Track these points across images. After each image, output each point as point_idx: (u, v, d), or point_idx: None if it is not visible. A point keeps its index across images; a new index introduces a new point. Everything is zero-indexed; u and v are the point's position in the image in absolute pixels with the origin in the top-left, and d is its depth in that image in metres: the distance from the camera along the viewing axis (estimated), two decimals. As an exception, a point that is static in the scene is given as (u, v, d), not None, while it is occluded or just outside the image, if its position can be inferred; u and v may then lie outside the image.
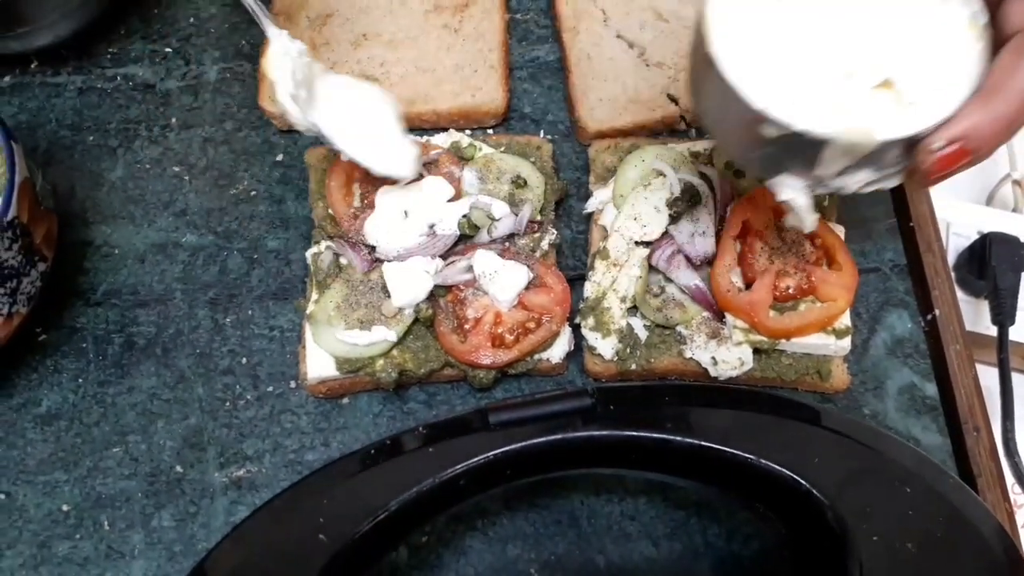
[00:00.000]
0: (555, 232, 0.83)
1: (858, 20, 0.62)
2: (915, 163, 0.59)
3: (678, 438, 0.65)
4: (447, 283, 0.79)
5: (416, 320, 0.78)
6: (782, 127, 0.59)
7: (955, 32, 0.61)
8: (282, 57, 0.74)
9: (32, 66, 0.97)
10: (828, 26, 0.62)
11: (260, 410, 0.80)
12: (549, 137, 0.91)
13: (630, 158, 0.85)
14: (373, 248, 0.80)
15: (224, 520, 0.76)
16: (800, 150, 0.60)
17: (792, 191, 0.64)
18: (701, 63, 0.63)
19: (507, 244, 0.81)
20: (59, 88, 0.96)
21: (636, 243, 0.80)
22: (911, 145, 0.59)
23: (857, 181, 0.62)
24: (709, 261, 0.79)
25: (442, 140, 0.87)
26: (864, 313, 0.83)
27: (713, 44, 0.61)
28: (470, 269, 0.79)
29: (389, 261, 0.79)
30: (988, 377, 0.84)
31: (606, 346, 0.78)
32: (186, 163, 0.92)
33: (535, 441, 0.66)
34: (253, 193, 0.90)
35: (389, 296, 0.78)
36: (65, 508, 0.77)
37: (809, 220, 0.66)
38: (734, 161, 0.74)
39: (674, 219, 0.80)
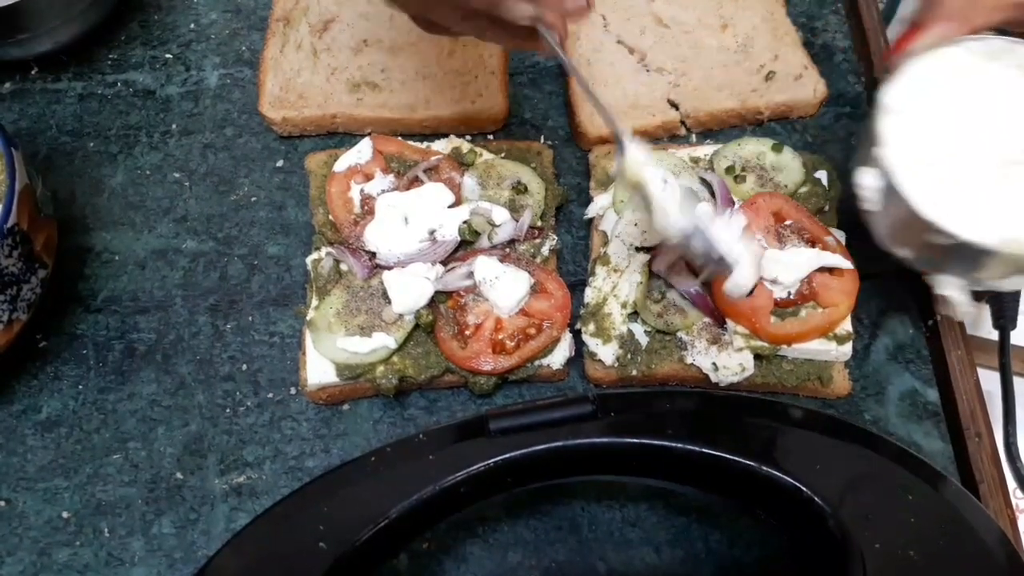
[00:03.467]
0: (555, 238, 0.83)
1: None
2: None
3: (679, 445, 0.65)
4: (448, 289, 0.79)
5: (416, 326, 0.78)
6: (950, 237, 0.63)
7: None
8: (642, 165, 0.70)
9: (32, 72, 0.97)
10: (993, 121, 0.67)
11: (260, 416, 0.80)
12: (549, 143, 0.91)
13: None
14: (373, 254, 0.80)
15: (224, 527, 0.76)
16: (965, 256, 0.64)
17: (951, 288, 0.69)
18: (871, 163, 0.67)
19: (507, 250, 0.81)
20: (59, 94, 0.96)
21: (637, 249, 0.80)
22: None
23: (1013, 284, 0.67)
24: (710, 267, 0.79)
25: (442, 146, 0.87)
26: (865, 319, 0.83)
27: (885, 150, 0.66)
28: (471, 275, 0.78)
29: (389, 267, 0.79)
30: (989, 381, 0.84)
31: (607, 352, 0.78)
32: (186, 169, 0.92)
33: (536, 448, 0.65)
34: (253, 199, 0.90)
35: (389, 302, 0.78)
36: (65, 515, 0.77)
37: (965, 313, 0.71)
38: (890, 252, 0.73)
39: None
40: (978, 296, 0.94)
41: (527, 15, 0.63)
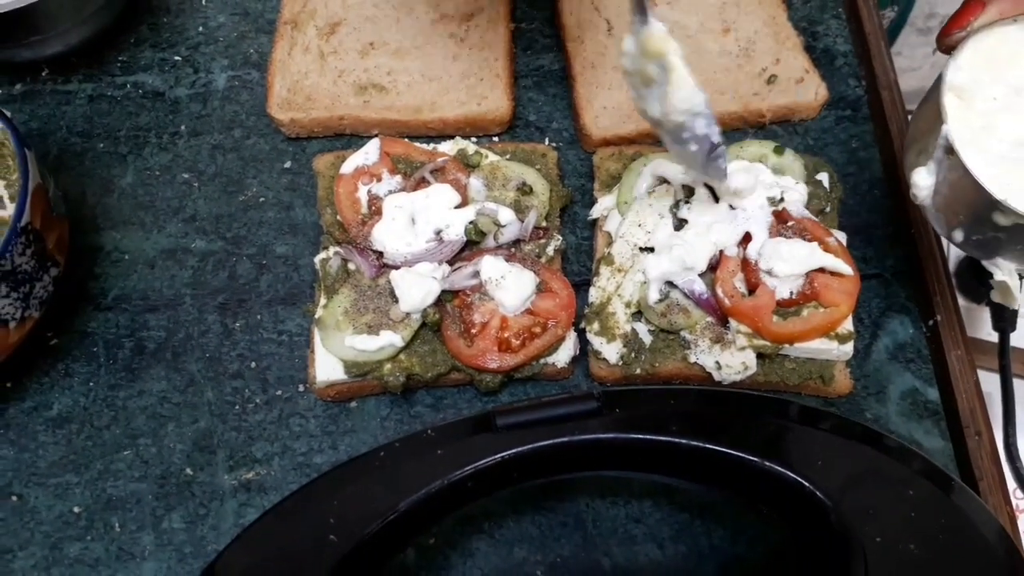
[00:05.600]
0: (560, 238, 0.84)
1: None
2: None
3: (683, 441, 0.66)
4: (454, 288, 0.80)
5: (423, 325, 0.79)
6: (1017, 216, 0.62)
7: None
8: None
9: (43, 74, 0.99)
10: None
11: (269, 413, 0.81)
12: (554, 144, 0.93)
13: (634, 165, 0.86)
14: (381, 254, 0.81)
15: (233, 522, 0.77)
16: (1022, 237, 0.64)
17: (1006, 274, 0.69)
18: (933, 145, 0.66)
19: (513, 250, 0.82)
20: (70, 96, 0.97)
21: (640, 249, 0.81)
22: None
23: None
24: (713, 267, 0.80)
25: (448, 148, 0.88)
26: (866, 318, 0.84)
27: (950, 129, 0.64)
28: (477, 275, 0.80)
29: (397, 267, 0.80)
30: (989, 383, 0.85)
31: (611, 350, 0.79)
32: (195, 170, 0.93)
33: (541, 444, 0.66)
34: (262, 200, 0.91)
35: (397, 301, 0.79)
36: (76, 510, 0.78)
37: (1018, 299, 0.71)
38: (945, 236, 0.72)
39: (678, 225, 0.81)
40: (978, 298, 0.95)
41: None
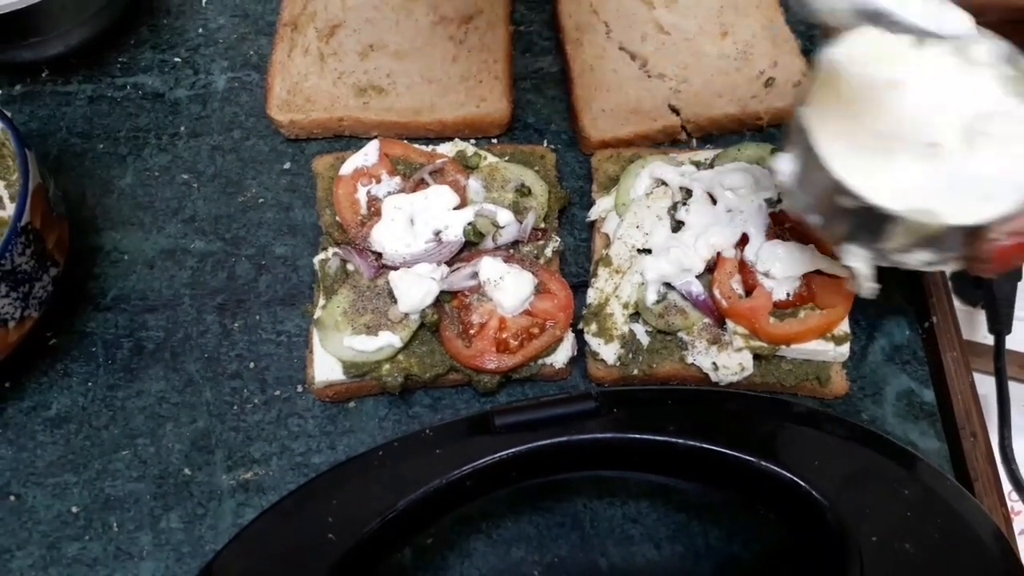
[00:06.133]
0: (558, 239, 0.85)
1: (949, 98, 0.67)
2: (975, 251, 0.62)
3: (680, 441, 0.66)
4: (452, 289, 0.80)
5: (422, 325, 0.79)
6: (857, 199, 0.63)
7: None
8: None
9: (43, 75, 0.99)
10: (920, 102, 0.67)
11: (267, 414, 0.81)
12: (552, 146, 0.93)
13: (632, 167, 0.86)
14: (380, 255, 0.82)
15: (232, 522, 0.77)
16: (870, 223, 0.65)
17: (856, 259, 0.69)
18: (795, 126, 0.67)
19: (511, 251, 0.83)
20: (70, 97, 0.98)
21: (638, 250, 0.82)
22: (974, 233, 0.62)
23: (918, 259, 0.66)
24: (710, 268, 0.80)
25: (447, 149, 0.89)
26: (863, 320, 0.84)
27: (807, 111, 0.66)
28: (475, 275, 0.80)
29: (395, 267, 0.81)
30: (985, 386, 0.85)
31: (609, 351, 0.79)
32: (195, 171, 0.93)
33: (539, 444, 0.67)
34: (261, 200, 0.92)
35: (395, 302, 0.79)
36: (74, 510, 0.78)
37: (867, 288, 0.70)
38: (801, 219, 0.74)
39: (676, 227, 0.82)
40: (973, 301, 0.96)
41: None
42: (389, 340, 0.78)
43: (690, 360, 0.79)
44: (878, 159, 0.65)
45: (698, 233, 0.80)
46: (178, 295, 0.87)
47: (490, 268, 0.79)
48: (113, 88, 0.98)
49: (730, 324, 0.78)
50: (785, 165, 0.69)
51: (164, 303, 0.86)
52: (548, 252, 0.84)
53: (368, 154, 0.86)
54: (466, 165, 0.87)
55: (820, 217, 0.69)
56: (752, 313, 0.77)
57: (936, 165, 0.65)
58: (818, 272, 0.79)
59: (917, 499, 0.64)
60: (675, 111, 0.93)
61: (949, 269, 0.67)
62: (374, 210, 0.84)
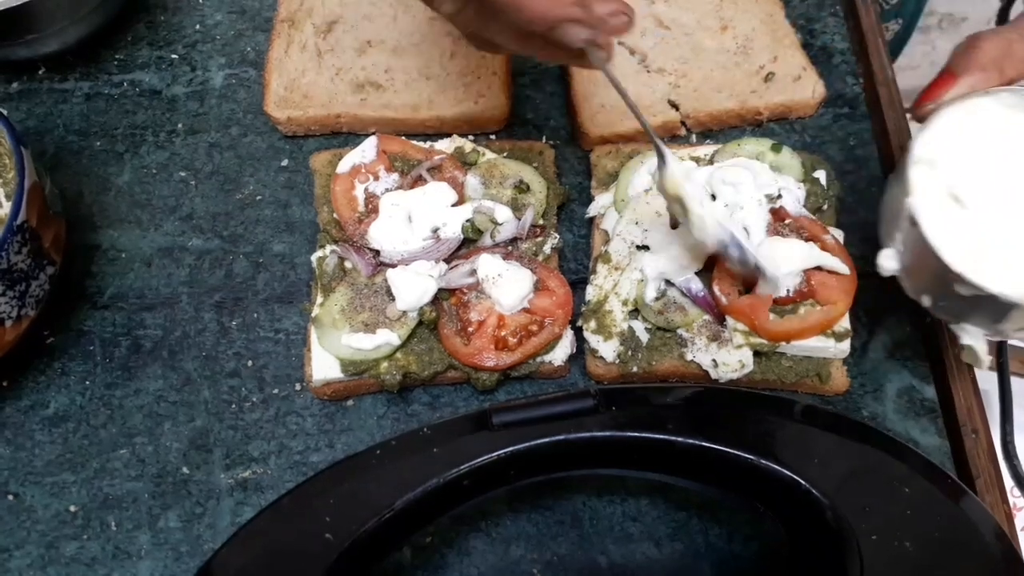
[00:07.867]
0: (557, 236, 0.84)
1: None
2: None
3: (679, 439, 0.66)
4: (451, 286, 0.80)
5: (420, 323, 0.79)
6: (975, 288, 0.63)
7: None
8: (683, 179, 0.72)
9: (40, 72, 0.98)
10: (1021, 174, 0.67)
11: (265, 412, 0.81)
12: (551, 142, 0.92)
13: (631, 163, 0.86)
14: (377, 252, 0.81)
15: (230, 521, 0.77)
16: (988, 308, 0.65)
17: (972, 338, 0.69)
18: (900, 215, 0.67)
19: (510, 248, 0.82)
20: (67, 94, 0.97)
21: (638, 247, 0.81)
22: None
23: None
24: (710, 265, 0.80)
25: (445, 145, 0.88)
26: (863, 316, 0.84)
27: (914, 201, 0.66)
28: (473, 273, 0.79)
29: (393, 265, 0.80)
30: (987, 382, 0.85)
31: (608, 349, 0.79)
32: (192, 168, 0.93)
33: (538, 442, 0.66)
34: (259, 198, 0.91)
35: (393, 299, 0.79)
36: (72, 509, 0.78)
37: (986, 361, 0.71)
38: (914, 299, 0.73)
39: (675, 223, 0.81)
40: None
41: (583, 38, 0.64)
42: (387, 338, 0.78)
43: (690, 357, 0.79)
44: (988, 243, 0.65)
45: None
46: (176, 293, 0.87)
47: (488, 265, 0.79)
48: (110, 85, 0.98)
49: (730, 321, 0.78)
50: (889, 263, 0.70)
51: (162, 301, 0.86)
52: (547, 249, 0.83)
53: (366, 151, 0.86)
54: (464, 162, 0.86)
55: (931, 298, 0.69)
56: (752, 310, 0.77)
57: None
58: (818, 268, 0.78)
59: (918, 496, 0.64)
60: (674, 106, 0.92)
61: None
62: (372, 207, 0.83)
